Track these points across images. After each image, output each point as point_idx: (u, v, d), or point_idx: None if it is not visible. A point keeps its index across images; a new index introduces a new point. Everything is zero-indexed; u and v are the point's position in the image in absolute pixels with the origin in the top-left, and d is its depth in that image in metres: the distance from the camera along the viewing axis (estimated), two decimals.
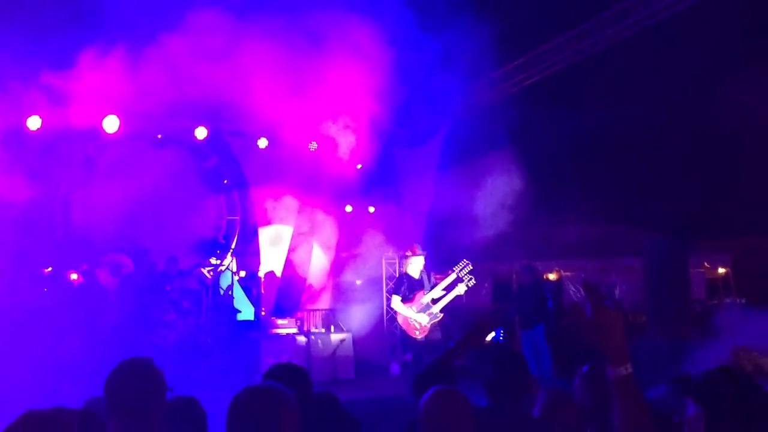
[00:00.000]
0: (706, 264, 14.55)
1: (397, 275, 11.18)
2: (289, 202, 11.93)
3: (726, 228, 13.19)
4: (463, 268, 8.26)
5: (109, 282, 10.29)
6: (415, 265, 8.34)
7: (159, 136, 11.38)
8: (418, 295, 8.16)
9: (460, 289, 8.19)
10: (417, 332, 8.07)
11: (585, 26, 10.10)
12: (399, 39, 9.03)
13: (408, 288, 8.23)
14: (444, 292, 8.23)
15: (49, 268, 9.86)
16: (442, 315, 8.18)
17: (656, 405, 3.11)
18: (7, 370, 7.19)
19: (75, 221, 10.99)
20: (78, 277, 10.08)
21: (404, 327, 8.20)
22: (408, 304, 8.11)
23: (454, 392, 2.73)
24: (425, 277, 8.34)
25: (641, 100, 10.95)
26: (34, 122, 9.35)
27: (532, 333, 9.52)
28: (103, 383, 2.66)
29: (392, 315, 11.47)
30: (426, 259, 8.56)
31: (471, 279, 8.27)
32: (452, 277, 8.30)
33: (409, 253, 8.47)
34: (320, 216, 12.12)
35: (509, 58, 10.86)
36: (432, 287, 8.29)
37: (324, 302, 12.57)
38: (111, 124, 9.81)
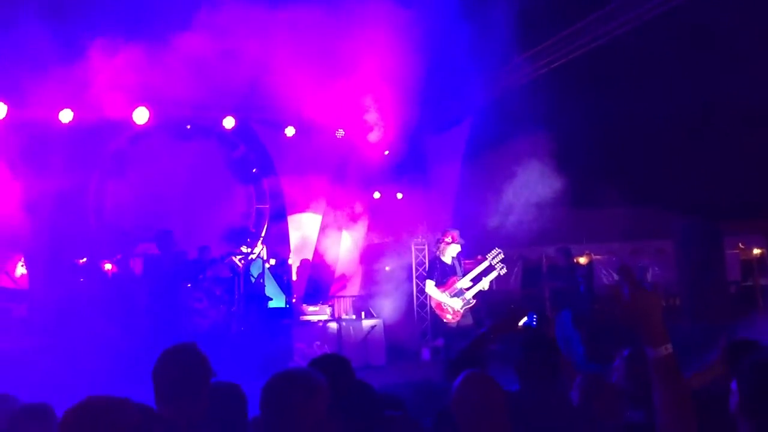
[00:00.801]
0: (740, 245, 14.34)
1: (428, 260, 11.19)
2: (318, 190, 11.98)
3: (760, 209, 12.97)
4: (495, 256, 8.28)
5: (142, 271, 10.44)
6: (450, 252, 8.36)
7: (188, 126, 11.48)
8: (451, 280, 8.18)
9: (491, 277, 8.23)
10: (450, 316, 8.10)
11: (611, 6, 9.92)
12: (425, 24, 8.97)
13: (441, 273, 8.26)
14: (476, 281, 8.24)
15: (84, 259, 10.03)
16: (474, 301, 8.21)
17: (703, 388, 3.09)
18: (47, 360, 7.36)
19: (107, 212, 11.16)
20: (112, 267, 10.25)
21: (437, 311, 8.24)
22: (441, 289, 8.15)
23: (486, 377, 2.74)
24: (457, 264, 8.36)
25: (670, 82, 10.78)
26: (66, 115, 9.50)
27: (562, 316, 9.49)
28: (139, 372, 2.72)
29: (422, 301, 11.48)
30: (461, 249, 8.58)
31: (503, 267, 8.30)
32: (485, 264, 8.33)
33: (448, 239, 8.45)
34: (349, 203, 12.15)
35: (536, 42, 10.73)
36: (464, 274, 8.31)
37: (354, 289, 12.63)
38: (141, 115, 9.93)
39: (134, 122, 9.99)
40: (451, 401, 2.68)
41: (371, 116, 10.86)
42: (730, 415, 2.11)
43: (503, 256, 8.27)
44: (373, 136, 10.95)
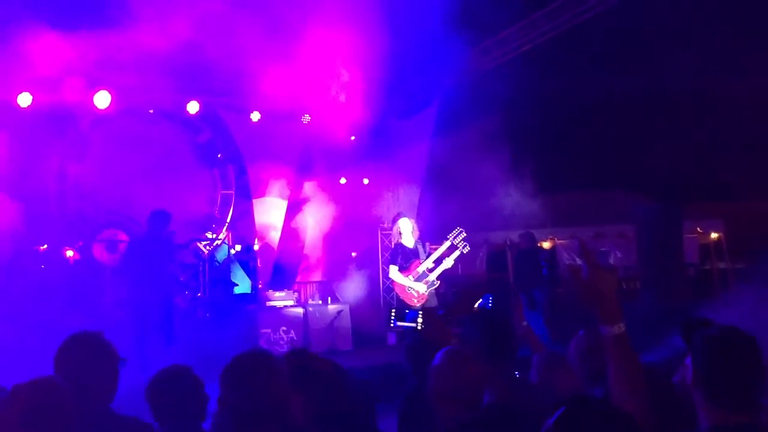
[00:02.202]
0: (698, 229, 14.67)
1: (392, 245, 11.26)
2: (284, 175, 11.93)
3: (718, 194, 13.28)
4: (457, 235, 8.35)
5: (105, 258, 10.32)
6: (407, 234, 8.41)
7: (151, 111, 11.31)
8: (414, 264, 8.24)
9: (454, 256, 8.30)
10: (415, 300, 8.17)
11: None
12: (392, 7, 8.95)
13: (403, 258, 8.31)
14: (438, 261, 8.31)
15: (45, 246, 9.86)
16: (438, 282, 8.29)
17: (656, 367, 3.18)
18: (8, 348, 7.24)
19: (69, 198, 10.97)
20: (74, 254, 10.10)
21: (402, 296, 8.30)
22: (405, 274, 8.21)
23: (463, 354, 2.78)
24: (420, 247, 8.43)
25: (633, 67, 10.93)
26: (24, 99, 9.29)
27: (526, 298, 9.66)
28: None
29: (388, 285, 11.54)
30: (420, 229, 8.63)
31: (465, 246, 8.38)
32: (447, 244, 8.40)
33: (396, 225, 8.56)
34: (315, 188, 12.13)
35: (502, 26, 10.78)
36: (427, 256, 8.37)
37: (320, 274, 12.63)
38: (102, 99, 9.76)
39: (95, 106, 9.81)
40: (429, 380, 2.71)
41: (337, 101, 10.83)
42: (679, 390, 2.20)
43: (465, 235, 8.35)
44: (339, 122, 10.92)
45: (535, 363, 3.30)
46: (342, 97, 10.74)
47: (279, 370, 2.41)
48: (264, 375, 2.34)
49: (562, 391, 2.94)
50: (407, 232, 8.43)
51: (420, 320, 6.89)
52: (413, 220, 8.69)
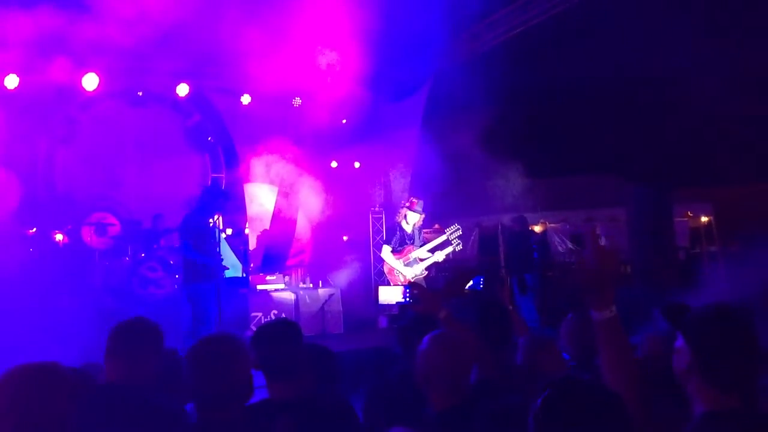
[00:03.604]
0: (689, 213, 14.72)
1: (389, 227, 11.26)
2: (275, 159, 11.86)
3: (708, 177, 13.30)
4: (453, 231, 8.39)
5: (94, 241, 10.26)
6: (411, 220, 8.42)
7: (140, 93, 11.22)
8: (407, 249, 8.27)
9: (447, 251, 8.34)
10: (400, 284, 8.20)
11: None
12: None
13: (399, 240, 8.33)
14: (431, 253, 8.34)
15: (34, 229, 9.80)
16: (426, 273, 8.32)
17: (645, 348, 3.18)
18: None
19: (58, 181, 10.90)
20: (63, 238, 10.05)
21: (389, 276, 8.33)
22: (397, 256, 8.22)
23: (453, 337, 2.78)
24: (417, 234, 8.44)
25: (624, 50, 10.89)
26: (11, 81, 9.19)
27: (517, 282, 9.68)
28: (92, 342, 2.80)
29: (380, 269, 11.55)
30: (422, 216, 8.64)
31: (459, 244, 8.43)
32: (442, 238, 8.44)
33: (407, 204, 8.52)
34: (306, 172, 12.08)
35: (493, 9, 10.71)
36: (422, 244, 8.40)
37: (311, 258, 12.62)
38: (91, 81, 9.66)
39: (83, 89, 9.72)
40: (417, 364, 2.71)
41: (328, 84, 10.76)
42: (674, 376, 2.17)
43: (461, 233, 8.39)
44: (330, 105, 10.85)
45: (521, 345, 3.31)
46: (329, 79, 10.65)
47: (243, 353, 2.45)
48: (227, 358, 2.38)
49: (547, 374, 2.95)
50: (412, 220, 8.44)
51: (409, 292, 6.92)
52: (423, 215, 8.65)
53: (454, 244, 8.41)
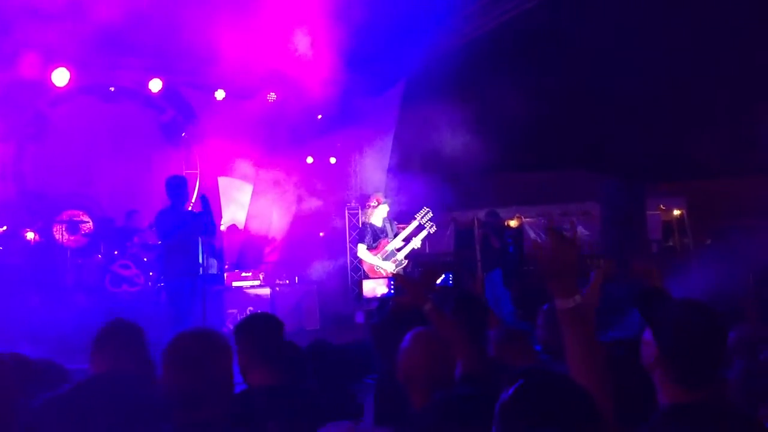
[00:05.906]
0: (661, 206, 14.89)
1: (360, 225, 11.25)
2: (250, 155, 11.79)
3: (681, 171, 13.47)
4: (424, 215, 8.39)
5: (66, 239, 10.12)
6: (379, 214, 8.42)
7: (111, 89, 11.06)
8: (382, 243, 8.27)
9: (422, 236, 8.36)
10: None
11: None
12: None
13: (372, 237, 8.33)
14: (406, 241, 8.35)
15: (4, 227, 9.64)
16: (407, 261, 8.32)
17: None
18: None
19: (28, 179, 10.72)
20: (34, 236, 9.90)
21: (370, 275, 8.31)
22: (373, 252, 8.22)
23: (434, 334, 2.76)
24: (388, 226, 8.45)
25: (598, 46, 10.96)
26: None
27: (492, 277, 9.72)
28: (63, 340, 2.79)
29: (356, 264, 11.53)
30: (389, 208, 8.64)
31: (432, 226, 8.44)
32: (414, 224, 8.44)
33: (373, 203, 8.52)
34: (281, 168, 12.00)
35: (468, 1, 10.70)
36: (395, 235, 8.40)
37: (287, 254, 12.55)
38: (61, 77, 9.50)
39: (54, 84, 9.55)
40: (398, 361, 2.67)
41: (303, 79, 10.69)
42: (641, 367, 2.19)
43: (432, 215, 8.40)
44: (305, 100, 10.80)
45: (492, 339, 3.31)
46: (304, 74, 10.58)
47: (223, 349, 2.33)
48: (206, 354, 2.27)
49: (516, 366, 2.96)
50: (380, 214, 8.44)
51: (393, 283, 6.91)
52: (387, 204, 8.66)
53: (428, 227, 8.43)
